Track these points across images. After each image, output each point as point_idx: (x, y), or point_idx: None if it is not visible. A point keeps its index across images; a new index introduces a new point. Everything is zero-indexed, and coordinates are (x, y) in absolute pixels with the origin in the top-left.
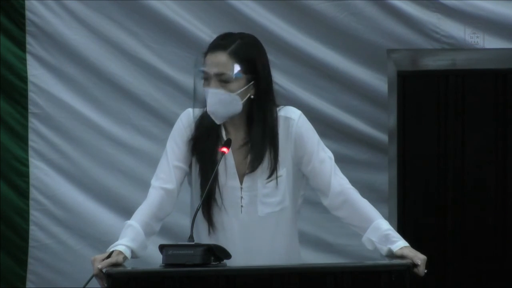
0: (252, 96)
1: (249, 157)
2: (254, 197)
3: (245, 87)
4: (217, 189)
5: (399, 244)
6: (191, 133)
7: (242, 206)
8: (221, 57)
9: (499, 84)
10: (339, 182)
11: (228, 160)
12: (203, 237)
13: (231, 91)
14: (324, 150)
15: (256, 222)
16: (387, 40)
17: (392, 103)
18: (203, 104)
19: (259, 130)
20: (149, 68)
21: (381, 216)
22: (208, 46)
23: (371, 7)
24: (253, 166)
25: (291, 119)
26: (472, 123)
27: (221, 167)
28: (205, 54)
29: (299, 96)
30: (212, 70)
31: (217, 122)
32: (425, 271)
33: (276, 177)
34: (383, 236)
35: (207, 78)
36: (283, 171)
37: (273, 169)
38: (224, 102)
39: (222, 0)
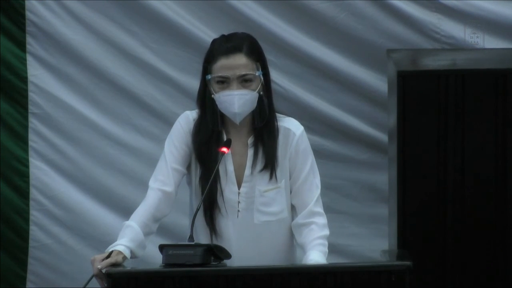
0: (261, 93)
1: (259, 155)
2: (251, 204)
3: (260, 85)
4: (219, 192)
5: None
6: (191, 137)
7: (238, 211)
8: (240, 59)
9: (499, 84)
10: (312, 211)
11: (228, 163)
12: (202, 241)
13: (253, 90)
14: (314, 175)
15: (252, 229)
16: (387, 40)
17: (392, 103)
18: (219, 107)
19: (268, 128)
20: (149, 68)
21: (321, 254)
22: (216, 51)
23: (371, 7)
24: (268, 161)
25: (293, 132)
26: (472, 123)
27: (221, 171)
28: (214, 59)
29: (299, 96)
30: (235, 73)
31: (238, 122)
32: None
33: (275, 188)
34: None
35: (224, 82)
36: (282, 183)
37: (273, 179)
38: (249, 102)
39: (222, 0)
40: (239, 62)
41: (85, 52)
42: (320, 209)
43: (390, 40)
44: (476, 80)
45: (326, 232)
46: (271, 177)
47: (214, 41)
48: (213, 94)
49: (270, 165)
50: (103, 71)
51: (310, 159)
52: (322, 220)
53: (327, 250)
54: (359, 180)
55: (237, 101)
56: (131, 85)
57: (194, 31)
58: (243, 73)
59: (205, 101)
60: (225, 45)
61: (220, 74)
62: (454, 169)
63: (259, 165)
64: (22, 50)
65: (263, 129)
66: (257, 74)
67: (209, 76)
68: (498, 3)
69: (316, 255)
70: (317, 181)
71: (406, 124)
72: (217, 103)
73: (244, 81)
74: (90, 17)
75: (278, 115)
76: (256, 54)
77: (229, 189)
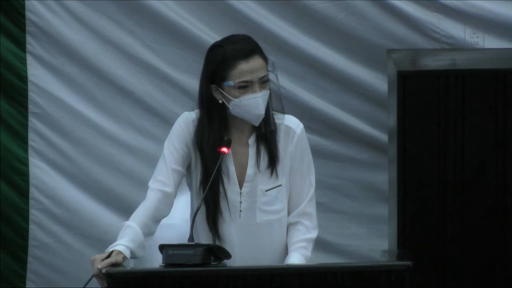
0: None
1: (261, 153)
2: (253, 203)
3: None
4: (222, 195)
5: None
6: (194, 141)
7: (241, 211)
8: (258, 60)
9: (499, 84)
10: (303, 211)
11: (229, 164)
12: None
13: (268, 89)
14: (309, 173)
15: (254, 228)
16: (387, 40)
17: (392, 103)
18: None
19: (269, 126)
20: (149, 68)
21: (302, 258)
22: (231, 57)
23: (371, 7)
24: (271, 159)
25: (293, 130)
26: (472, 123)
27: (223, 172)
28: (232, 65)
29: (299, 96)
30: (257, 76)
31: (258, 124)
32: None
33: (277, 186)
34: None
35: (246, 86)
36: (283, 180)
37: (275, 177)
38: (267, 102)
39: (222, 0)
40: (259, 64)
41: (85, 52)
42: (312, 209)
43: (390, 40)
44: (476, 80)
45: (313, 235)
46: (273, 176)
47: (218, 46)
48: (231, 99)
49: (273, 163)
50: (103, 71)
51: (308, 157)
52: (310, 222)
53: (309, 254)
54: (359, 180)
55: (262, 103)
56: (131, 85)
57: (194, 31)
58: (264, 74)
59: (212, 107)
60: (239, 49)
61: (243, 79)
62: (454, 169)
63: (262, 163)
64: (22, 50)
65: (269, 119)
66: (274, 72)
67: (230, 83)
68: (498, 3)
69: (296, 258)
70: (312, 179)
71: (406, 124)
72: (236, 107)
73: (263, 82)
74: (90, 17)
75: (275, 113)
76: (264, 53)
77: (231, 189)
